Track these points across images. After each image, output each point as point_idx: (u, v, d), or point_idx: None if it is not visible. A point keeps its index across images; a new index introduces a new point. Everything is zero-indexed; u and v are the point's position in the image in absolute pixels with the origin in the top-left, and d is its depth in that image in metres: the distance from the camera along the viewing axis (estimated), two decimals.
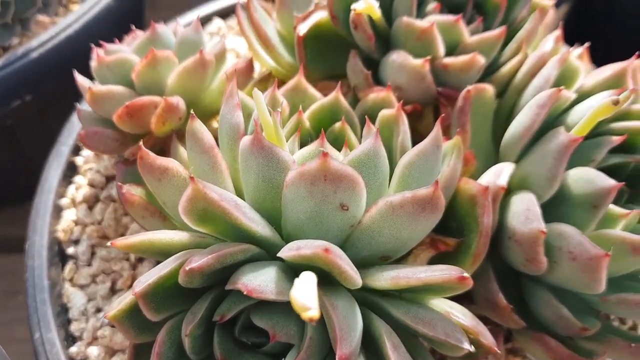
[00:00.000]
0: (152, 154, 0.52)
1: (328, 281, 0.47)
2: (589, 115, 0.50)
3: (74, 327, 0.63)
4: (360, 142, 0.56)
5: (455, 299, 0.52)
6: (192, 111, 0.52)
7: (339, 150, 0.57)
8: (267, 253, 0.48)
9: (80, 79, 0.64)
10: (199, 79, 0.62)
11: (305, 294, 0.34)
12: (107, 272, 0.67)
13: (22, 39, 0.88)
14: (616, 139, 0.56)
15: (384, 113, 0.55)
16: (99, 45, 0.64)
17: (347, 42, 0.66)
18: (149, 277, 0.46)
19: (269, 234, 0.47)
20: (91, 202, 0.71)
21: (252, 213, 0.46)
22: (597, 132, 0.59)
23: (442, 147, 0.51)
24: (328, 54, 0.69)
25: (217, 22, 0.90)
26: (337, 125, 0.57)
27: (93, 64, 0.63)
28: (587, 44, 0.65)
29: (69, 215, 0.70)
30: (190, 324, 0.47)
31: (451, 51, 0.62)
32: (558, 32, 0.61)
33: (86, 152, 0.75)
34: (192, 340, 0.47)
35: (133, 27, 0.69)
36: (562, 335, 0.55)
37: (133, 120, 0.59)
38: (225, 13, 0.91)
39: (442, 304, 0.50)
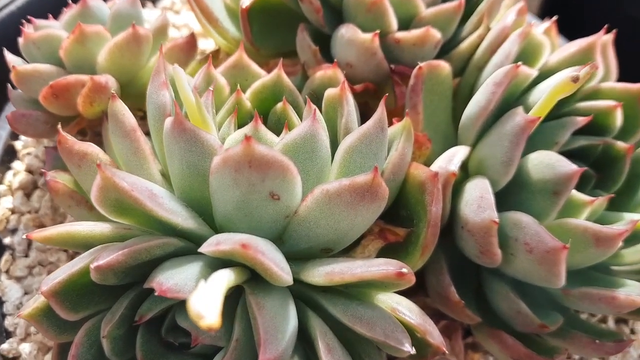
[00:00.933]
0: (70, 138, 0.48)
1: (260, 277, 0.43)
2: (547, 94, 0.46)
3: (7, 322, 0.59)
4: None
5: (410, 290, 0.48)
6: (112, 91, 0.48)
7: (281, 128, 0.53)
8: (195, 246, 0.44)
9: (9, 57, 0.60)
10: (133, 56, 0.57)
11: (205, 299, 0.30)
12: (43, 264, 0.63)
13: None
14: (581, 120, 0.52)
15: (329, 92, 0.51)
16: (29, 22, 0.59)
17: (298, 15, 0.61)
18: (58, 274, 0.42)
19: (194, 226, 0.43)
20: (28, 189, 0.66)
21: (171, 203, 0.42)
22: (562, 112, 0.54)
23: (387, 129, 0.47)
24: (277, 28, 0.64)
25: None
26: (279, 105, 0.52)
27: (20, 41, 0.58)
28: (554, 18, 0.60)
29: (6, 203, 0.65)
30: (108, 324, 0.43)
31: (406, 25, 0.57)
32: (521, 4, 0.57)
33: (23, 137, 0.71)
34: (112, 342, 0.43)
35: (70, 1, 0.64)
36: (522, 332, 0.52)
37: (60, 100, 0.54)
38: None
39: (388, 299, 0.46)
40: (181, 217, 0.42)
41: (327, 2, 0.57)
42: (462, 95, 0.59)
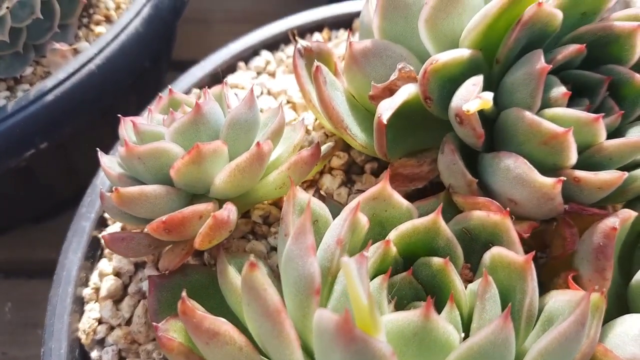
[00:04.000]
0: (198, 312, 0.40)
1: None
2: None
3: None
4: (465, 287, 0.43)
5: None
6: (251, 257, 0.39)
7: (433, 292, 0.44)
8: None
9: (105, 163, 0.52)
10: (253, 174, 0.49)
11: None
12: None
13: (37, 68, 0.75)
14: None
15: (502, 256, 0.42)
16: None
17: (435, 119, 0.52)
18: None
19: None
20: (117, 296, 0.59)
21: None
22: None
23: (587, 325, 0.38)
24: (411, 130, 0.55)
25: (265, 55, 0.75)
26: (436, 262, 0.44)
27: (121, 151, 0.49)
28: None
29: (92, 313, 0.58)
30: None
31: (580, 152, 0.47)
32: None
33: (113, 227, 0.63)
34: None
35: (159, 95, 0.56)
36: None
37: (172, 234, 0.46)
38: (273, 44, 0.76)
39: None
40: None
41: (484, 120, 0.48)
42: (629, 232, 0.49)
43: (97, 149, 0.53)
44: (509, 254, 0.41)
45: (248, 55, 0.75)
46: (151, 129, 0.50)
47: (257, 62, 0.75)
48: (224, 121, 0.50)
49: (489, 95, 0.44)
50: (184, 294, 0.41)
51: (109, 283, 0.59)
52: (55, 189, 0.88)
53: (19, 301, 1.05)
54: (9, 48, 0.72)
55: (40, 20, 0.71)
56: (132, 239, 0.50)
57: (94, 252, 0.62)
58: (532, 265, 0.40)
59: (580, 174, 0.45)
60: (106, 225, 0.64)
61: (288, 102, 0.71)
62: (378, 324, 0.36)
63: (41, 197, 0.88)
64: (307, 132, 0.67)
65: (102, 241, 0.62)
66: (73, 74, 0.70)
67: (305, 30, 0.78)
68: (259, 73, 0.74)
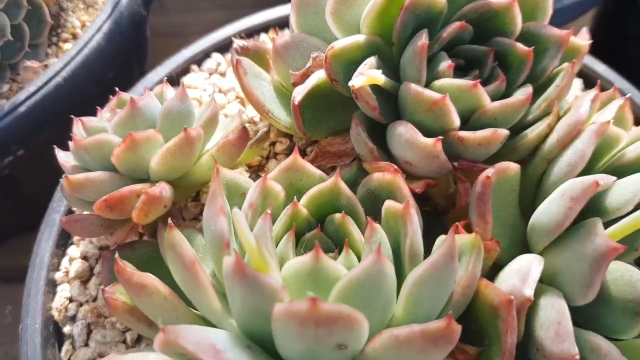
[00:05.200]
0: (128, 269, 0.47)
1: None
2: (629, 222, 0.43)
3: None
4: (363, 235, 0.50)
5: None
6: (170, 220, 0.46)
7: (340, 243, 0.51)
8: None
9: (61, 158, 0.59)
10: (185, 158, 0.56)
11: None
12: (103, 355, 0.63)
13: (12, 85, 0.83)
14: None
15: (390, 207, 0.48)
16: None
17: (350, 99, 0.59)
18: None
19: None
20: (85, 277, 0.67)
21: (236, 354, 0.41)
22: None
23: (456, 256, 0.44)
24: (329, 112, 0.62)
25: (216, 57, 0.83)
26: (338, 217, 0.50)
27: (70, 145, 0.57)
28: (628, 96, 0.56)
29: (63, 292, 0.66)
30: None
31: (468, 116, 0.54)
32: (595, 92, 0.53)
33: None
34: None
35: (117, 90, 0.63)
36: None
37: (114, 211, 0.53)
38: (223, 47, 0.83)
39: None
40: None
41: (383, 93, 0.55)
42: (528, 184, 0.55)
43: (54, 146, 0.60)
44: (394, 204, 0.48)
45: (200, 58, 0.82)
46: (96, 125, 0.58)
47: (209, 64, 0.82)
48: (158, 113, 0.57)
49: (376, 72, 0.51)
50: (116, 255, 0.48)
51: (77, 265, 0.66)
52: (40, 196, 0.96)
53: (19, 304, 1.13)
54: None
55: (11, 42, 0.79)
56: (85, 220, 0.57)
57: (64, 242, 0.70)
58: (411, 212, 0.46)
59: (462, 133, 0.51)
60: None
61: (237, 97, 0.78)
62: (269, 264, 0.43)
63: (29, 205, 0.96)
64: (254, 123, 0.74)
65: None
66: (42, 86, 0.78)
67: (253, 32, 0.85)
68: (211, 74, 0.82)
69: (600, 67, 0.81)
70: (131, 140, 0.53)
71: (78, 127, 0.59)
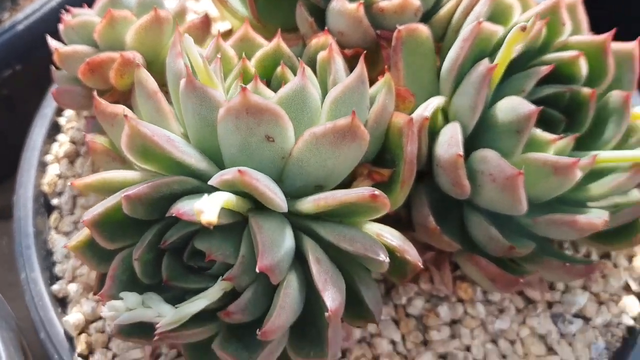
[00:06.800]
0: (104, 102, 0.57)
1: (262, 207, 0.51)
2: (504, 45, 0.53)
3: (57, 269, 0.70)
4: None
5: (401, 229, 0.56)
6: (137, 61, 0.57)
7: None
8: (209, 186, 0.53)
9: (52, 43, 0.70)
10: (155, 36, 0.66)
11: (206, 202, 0.39)
12: None
13: (12, 13, 0.95)
14: (544, 69, 0.59)
15: (320, 55, 0.59)
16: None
17: None
18: (97, 208, 0.51)
19: (206, 167, 0.52)
20: (72, 157, 0.77)
21: (186, 147, 0.51)
22: (530, 64, 0.61)
23: (367, 82, 0.55)
24: (280, 4, 0.72)
25: None
26: (279, 69, 0.61)
27: (60, 27, 0.68)
28: None
29: (53, 170, 0.76)
30: (139, 249, 0.52)
31: None
32: None
33: (68, 112, 0.81)
34: (142, 265, 0.52)
35: None
36: (496, 257, 0.59)
37: (95, 75, 0.64)
38: None
39: (374, 227, 0.54)
40: (195, 158, 0.51)
41: None
42: (444, 57, 0.66)
43: (47, 34, 0.71)
44: (323, 53, 0.58)
45: None
46: (82, 11, 0.69)
47: None
48: (134, 1, 0.68)
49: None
50: (94, 93, 0.58)
51: (66, 147, 0.77)
52: None
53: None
54: None
55: None
56: (73, 90, 0.68)
57: (55, 132, 0.80)
58: (334, 55, 0.56)
59: (382, 3, 0.62)
60: (63, 111, 0.82)
61: None
62: (214, 81, 0.53)
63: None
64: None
65: (60, 123, 0.81)
66: (38, 9, 0.89)
67: None
68: None
69: None
70: (110, 17, 0.64)
71: (67, 14, 0.70)
